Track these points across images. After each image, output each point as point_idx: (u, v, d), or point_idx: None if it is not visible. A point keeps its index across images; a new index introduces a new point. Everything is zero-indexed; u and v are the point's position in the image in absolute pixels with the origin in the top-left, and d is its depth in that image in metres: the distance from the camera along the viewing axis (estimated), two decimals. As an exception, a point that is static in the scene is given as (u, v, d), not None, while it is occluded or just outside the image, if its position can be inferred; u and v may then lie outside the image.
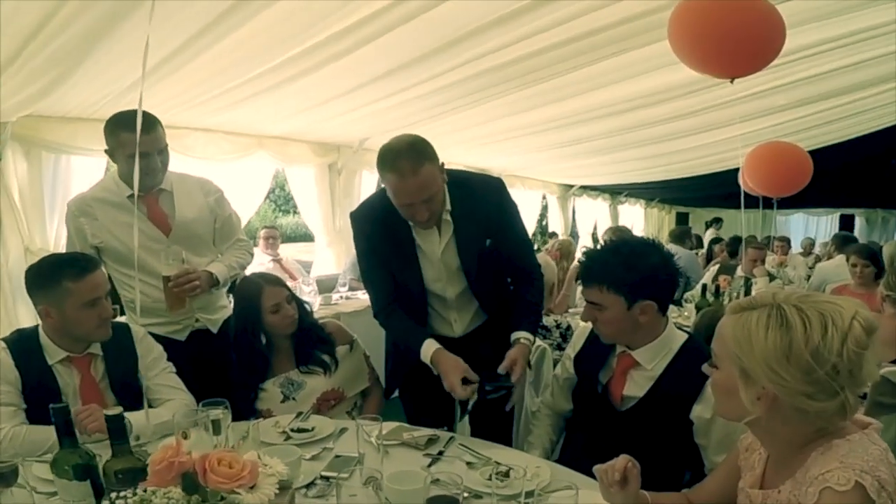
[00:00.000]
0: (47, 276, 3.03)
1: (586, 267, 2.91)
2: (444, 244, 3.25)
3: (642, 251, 2.88)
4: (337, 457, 2.83)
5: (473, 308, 3.47)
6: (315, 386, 3.58)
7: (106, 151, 3.63)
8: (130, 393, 3.14)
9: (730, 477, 2.25)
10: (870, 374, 1.77)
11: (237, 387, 3.53)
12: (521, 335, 3.20)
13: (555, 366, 3.77)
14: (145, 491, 1.75)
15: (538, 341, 4.55)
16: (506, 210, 3.33)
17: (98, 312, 3.06)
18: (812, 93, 8.62)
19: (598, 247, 3.09)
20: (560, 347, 5.07)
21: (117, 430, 2.11)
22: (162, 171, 3.73)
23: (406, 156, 2.93)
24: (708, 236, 16.64)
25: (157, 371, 3.31)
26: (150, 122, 3.49)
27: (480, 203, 3.25)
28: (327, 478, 2.60)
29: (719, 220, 19.29)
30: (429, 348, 3.12)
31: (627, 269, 2.82)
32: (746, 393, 1.85)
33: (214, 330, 4.04)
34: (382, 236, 3.25)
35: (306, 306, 3.78)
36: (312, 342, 3.66)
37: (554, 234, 14.63)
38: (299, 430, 3.10)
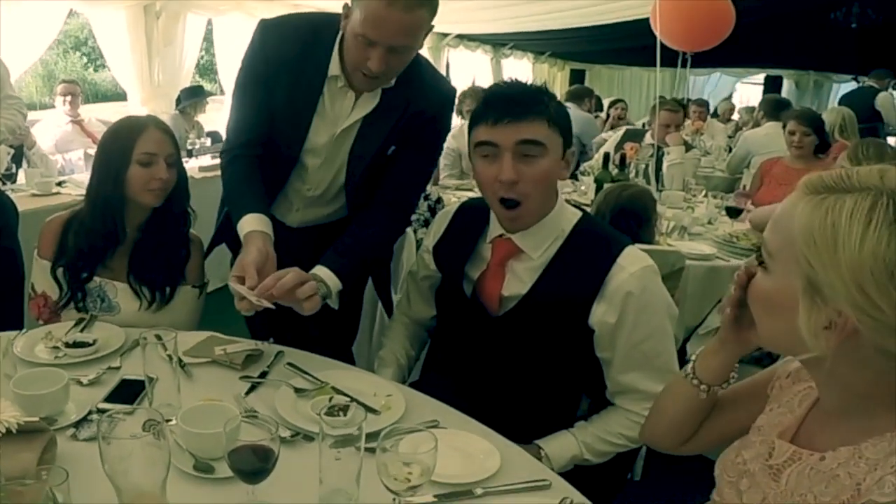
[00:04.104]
0: None
1: (522, 94, 2.57)
2: (353, 120, 3.04)
3: None
4: (124, 381, 2.59)
5: (330, 208, 3.33)
6: (126, 316, 3.21)
7: None
8: None
9: (748, 401, 1.97)
10: None
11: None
12: (320, 273, 2.82)
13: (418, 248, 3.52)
14: None
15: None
16: (434, 129, 3.13)
17: None
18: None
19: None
20: (427, 224, 4.85)
21: None
22: None
23: None
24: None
25: None
26: None
27: (418, 101, 3.03)
28: (106, 411, 2.31)
29: None
30: (249, 225, 2.84)
31: (560, 107, 2.59)
32: (810, 318, 1.45)
33: None
34: (287, 67, 2.97)
35: (189, 211, 3.35)
36: (164, 253, 3.27)
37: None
38: (75, 345, 2.83)
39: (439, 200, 5.21)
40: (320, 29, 2.93)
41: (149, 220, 3.22)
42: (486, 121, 2.53)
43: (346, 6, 2.78)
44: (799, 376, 1.82)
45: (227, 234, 3.13)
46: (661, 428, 2.14)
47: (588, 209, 3.31)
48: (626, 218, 4.15)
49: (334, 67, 2.93)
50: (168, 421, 1.94)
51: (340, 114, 3.03)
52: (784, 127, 6.93)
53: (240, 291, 2.59)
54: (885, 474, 1.40)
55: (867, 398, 1.52)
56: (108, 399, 2.45)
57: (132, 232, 3.20)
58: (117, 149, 3.11)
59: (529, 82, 2.64)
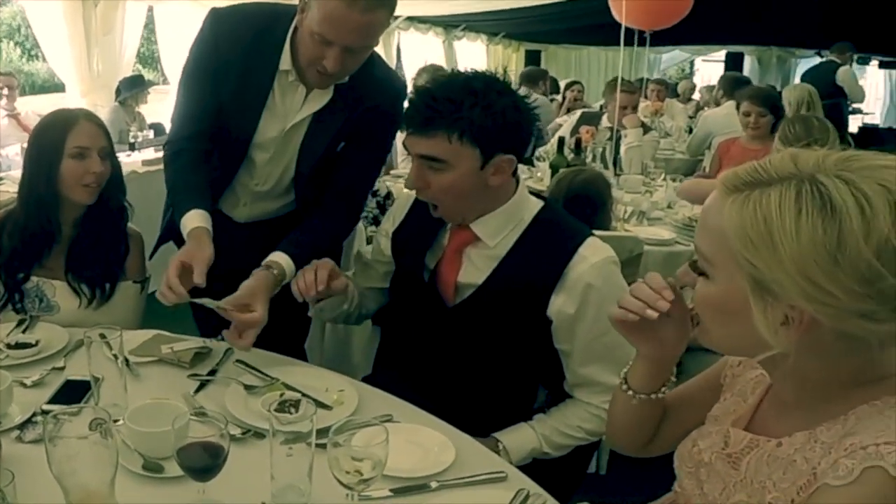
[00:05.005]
0: None
1: (425, 106, 2.52)
2: (303, 115, 3.06)
3: (500, 88, 2.56)
4: (69, 382, 2.60)
5: (277, 203, 3.35)
6: (66, 314, 3.20)
7: None
8: None
9: (705, 394, 2.00)
10: None
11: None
12: (278, 259, 2.85)
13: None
14: None
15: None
16: (384, 124, 3.14)
17: None
18: None
19: (433, 80, 2.76)
20: (377, 221, 4.83)
21: None
22: None
23: None
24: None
25: None
26: None
27: (370, 97, 3.06)
28: (50, 413, 2.32)
29: None
30: (194, 221, 2.83)
31: (486, 111, 2.49)
32: (765, 317, 1.47)
33: None
34: (237, 59, 2.98)
35: (126, 205, 3.34)
36: (103, 248, 3.26)
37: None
38: (17, 346, 2.84)
39: (389, 196, 5.18)
40: (273, 21, 2.94)
41: (84, 217, 3.21)
42: (401, 125, 2.63)
43: (302, 0, 2.79)
44: (749, 363, 1.86)
45: (174, 231, 3.13)
46: (618, 435, 2.20)
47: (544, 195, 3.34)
48: (579, 205, 4.16)
49: (285, 61, 2.94)
50: (115, 421, 1.96)
51: (291, 109, 3.05)
52: (738, 108, 6.96)
53: (171, 281, 2.59)
54: (838, 457, 1.42)
55: (825, 385, 1.57)
56: (53, 400, 2.46)
57: (68, 229, 3.20)
58: (48, 144, 3.10)
59: (473, 72, 2.62)
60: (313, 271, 2.66)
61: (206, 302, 2.61)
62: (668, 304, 1.76)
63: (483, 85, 2.52)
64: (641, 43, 8.73)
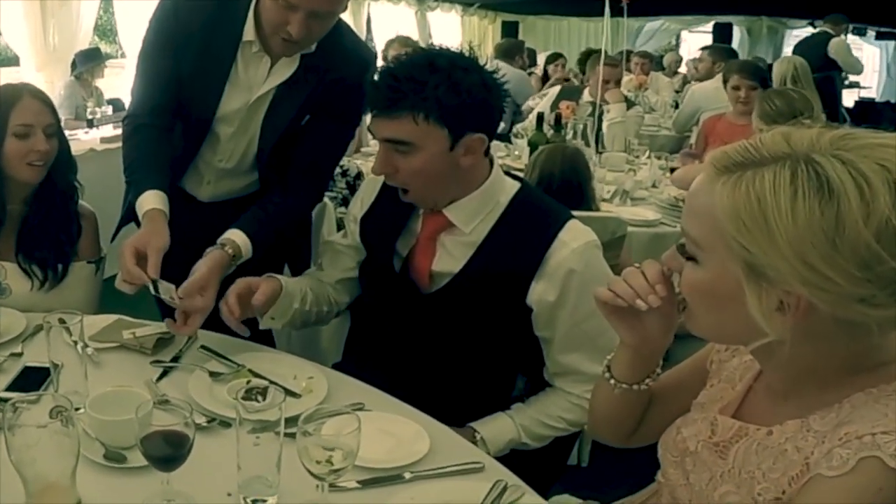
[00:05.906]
0: None
1: (388, 87, 2.49)
2: (268, 87, 3.08)
3: (466, 64, 2.55)
4: (27, 368, 2.60)
5: (242, 181, 3.37)
6: (18, 297, 3.20)
7: None
8: None
9: (692, 381, 2.00)
10: None
11: None
12: (233, 237, 2.87)
13: (339, 229, 3.52)
14: None
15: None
16: (352, 97, 3.09)
17: None
18: None
19: (395, 59, 2.70)
20: (346, 202, 4.85)
21: None
22: None
23: None
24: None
25: None
26: None
27: (337, 68, 3.07)
28: (8, 400, 2.33)
29: None
30: (151, 202, 2.84)
31: (452, 90, 2.46)
32: (760, 303, 1.46)
33: None
34: (199, 30, 3.00)
35: (76, 183, 3.34)
36: (53, 228, 3.26)
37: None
38: (-28, 332, 2.83)
39: (359, 176, 5.17)
40: None
41: (33, 196, 3.21)
42: (367, 107, 2.60)
43: None
44: (736, 349, 1.86)
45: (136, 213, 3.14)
46: (601, 425, 2.21)
47: (521, 174, 3.33)
48: (576, 177, 4.21)
49: (249, 32, 2.95)
50: (76, 409, 1.94)
51: (255, 81, 3.06)
52: (725, 82, 6.91)
53: (131, 270, 2.62)
54: (833, 447, 1.42)
55: (819, 372, 1.56)
56: (11, 387, 2.46)
57: (16, 209, 3.20)
58: None
59: (438, 48, 2.62)
60: (226, 306, 2.63)
61: (163, 291, 2.62)
62: (659, 300, 1.74)
63: (447, 62, 2.51)
64: (620, 12, 8.73)
